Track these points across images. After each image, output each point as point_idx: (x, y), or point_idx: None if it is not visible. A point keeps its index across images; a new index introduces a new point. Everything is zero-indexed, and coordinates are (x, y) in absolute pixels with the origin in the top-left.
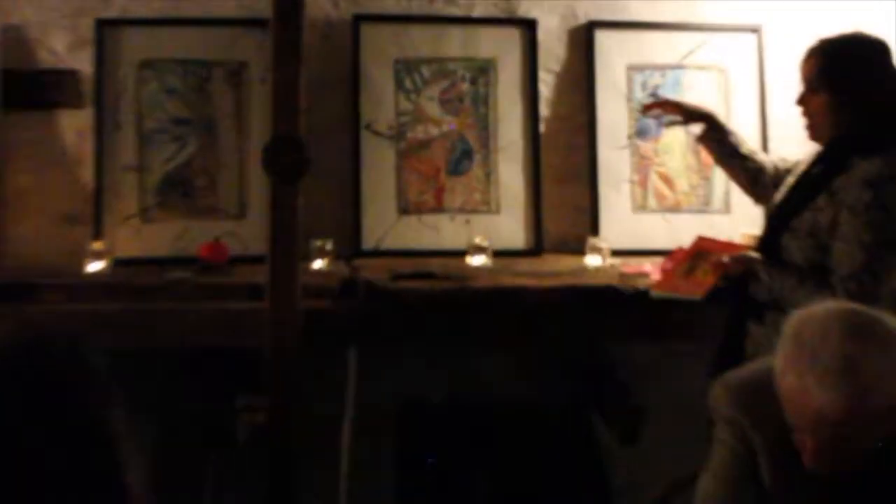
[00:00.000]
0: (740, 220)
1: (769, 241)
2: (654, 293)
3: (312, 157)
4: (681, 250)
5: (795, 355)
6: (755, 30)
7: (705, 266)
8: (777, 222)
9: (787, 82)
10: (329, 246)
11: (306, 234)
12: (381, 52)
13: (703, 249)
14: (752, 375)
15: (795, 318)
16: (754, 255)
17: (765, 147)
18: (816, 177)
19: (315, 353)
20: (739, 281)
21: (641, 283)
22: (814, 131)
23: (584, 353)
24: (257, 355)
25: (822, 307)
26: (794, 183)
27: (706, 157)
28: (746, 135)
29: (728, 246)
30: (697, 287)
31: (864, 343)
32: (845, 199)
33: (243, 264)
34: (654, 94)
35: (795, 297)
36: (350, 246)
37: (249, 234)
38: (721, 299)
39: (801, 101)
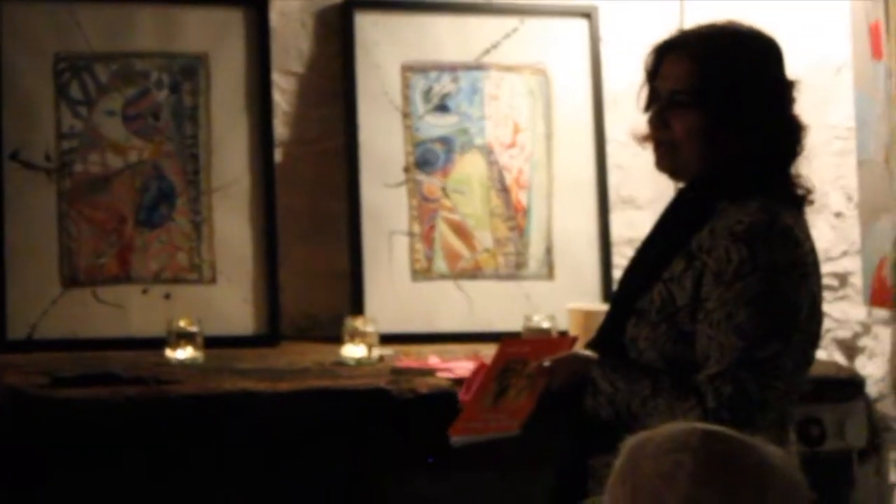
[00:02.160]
0: (567, 290)
1: (611, 330)
2: (455, 440)
3: None
4: (482, 367)
5: None
6: (587, 14)
7: (519, 381)
8: (620, 303)
9: (635, 88)
10: None
11: None
12: (33, 41)
13: (514, 357)
14: None
15: (629, 450)
16: (586, 353)
17: (602, 185)
18: (670, 233)
19: None
20: (570, 393)
21: (424, 385)
22: (670, 163)
23: (341, 487)
24: None
25: (667, 432)
26: (641, 245)
27: (518, 196)
28: (577, 168)
29: (545, 345)
30: (512, 416)
31: (727, 486)
32: (709, 262)
33: None
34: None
35: (648, 413)
36: None
37: None
38: (540, 419)
39: (659, 118)
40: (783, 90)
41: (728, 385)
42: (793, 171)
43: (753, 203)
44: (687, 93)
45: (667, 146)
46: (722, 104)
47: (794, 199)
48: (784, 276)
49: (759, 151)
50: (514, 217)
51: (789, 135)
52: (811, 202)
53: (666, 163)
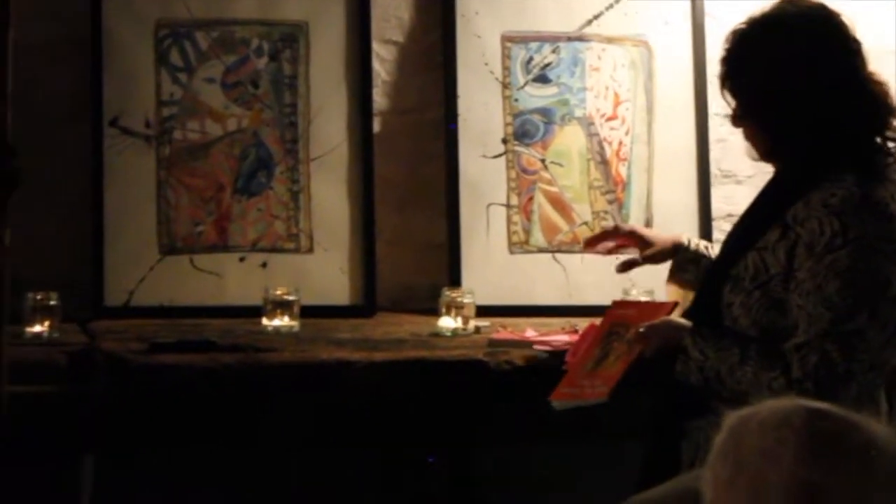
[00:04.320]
0: (666, 264)
1: (707, 297)
2: (556, 404)
3: (25, 166)
4: (590, 328)
5: (731, 482)
6: None
7: (620, 346)
8: (716, 270)
9: None
10: (53, 301)
11: (17, 285)
12: (135, 9)
13: (619, 319)
14: (671, 498)
15: (732, 426)
16: (680, 320)
17: (703, 158)
18: (766, 204)
19: (29, 462)
20: (663, 359)
21: (520, 357)
22: (757, 155)
23: (437, 459)
24: None
25: (771, 409)
26: (741, 216)
27: (618, 168)
28: (677, 141)
29: (650, 308)
30: (604, 383)
31: (832, 465)
32: (802, 233)
33: None
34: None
35: (736, 381)
36: (86, 302)
37: None
38: (633, 387)
39: (735, 121)
40: (834, 63)
41: (814, 355)
42: (890, 132)
43: (848, 177)
44: (736, 105)
45: (748, 138)
46: (765, 107)
47: (887, 171)
48: (874, 250)
49: (832, 130)
50: (614, 190)
51: (860, 103)
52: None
53: (754, 154)
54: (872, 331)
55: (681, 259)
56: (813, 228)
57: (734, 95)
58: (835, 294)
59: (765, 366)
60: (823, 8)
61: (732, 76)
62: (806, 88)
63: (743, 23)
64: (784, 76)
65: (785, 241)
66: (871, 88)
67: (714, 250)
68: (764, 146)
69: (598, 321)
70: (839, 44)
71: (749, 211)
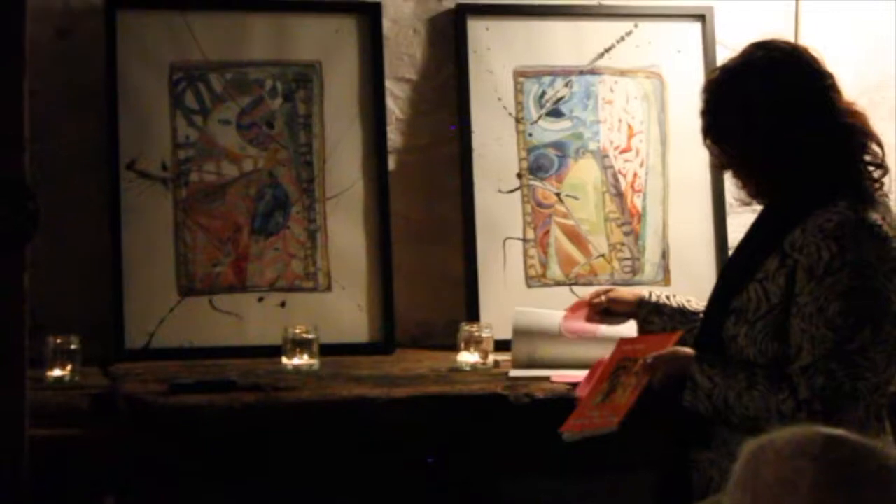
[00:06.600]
0: (685, 294)
1: (710, 330)
2: (566, 436)
3: (44, 210)
4: (600, 363)
5: None
6: (701, 16)
7: (629, 378)
8: (717, 303)
9: None
10: (74, 345)
11: (37, 328)
12: (149, 53)
13: (628, 355)
14: None
15: (748, 456)
16: (686, 350)
17: (718, 188)
18: (763, 236)
19: None
20: (670, 389)
21: (540, 390)
22: (746, 195)
23: (459, 493)
24: None
25: (787, 438)
26: (737, 247)
27: (633, 200)
28: (692, 172)
29: (657, 341)
30: (613, 413)
31: (849, 493)
32: (801, 259)
33: None
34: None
35: (744, 406)
36: (107, 345)
37: None
38: (642, 418)
39: (721, 168)
40: (809, 99)
41: (820, 376)
42: (868, 157)
43: (842, 202)
44: (717, 151)
45: (737, 181)
46: (746, 153)
47: (876, 196)
48: (873, 270)
49: (817, 162)
50: (630, 222)
51: (840, 134)
52: (882, 183)
53: (744, 194)
54: (876, 349)
55: (644, 312)
56: (811, 253)
57: (717, 144)
58: (837, 315)
59: (773, 389)
60: (792, 47)
61: (713, 126)
62: (785, 129)
63: (716, 72)
64: (762, 120)
65: (784, 269)
66: (847, 120)
67: (676, 300)
68: (753, 188)
69: (607, 356)
70: (811, 79)
71: (747, 242)
